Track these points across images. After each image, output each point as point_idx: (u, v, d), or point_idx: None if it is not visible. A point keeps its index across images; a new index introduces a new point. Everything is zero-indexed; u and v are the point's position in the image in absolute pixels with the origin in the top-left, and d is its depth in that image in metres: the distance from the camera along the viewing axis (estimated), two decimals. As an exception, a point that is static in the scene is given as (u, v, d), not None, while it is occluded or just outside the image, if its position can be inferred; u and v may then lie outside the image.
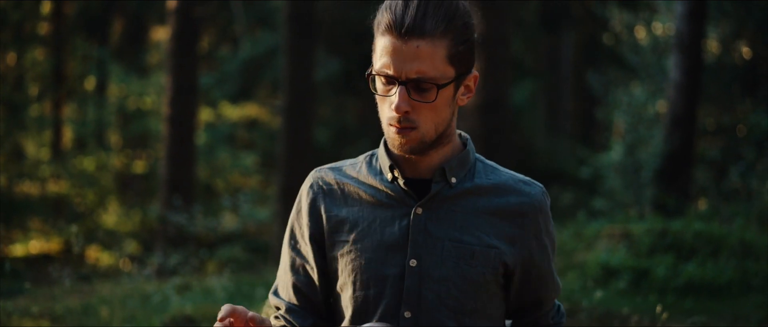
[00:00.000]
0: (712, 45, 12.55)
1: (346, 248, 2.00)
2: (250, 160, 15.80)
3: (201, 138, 14.61)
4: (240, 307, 1.88)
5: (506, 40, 8.70)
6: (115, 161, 16.08)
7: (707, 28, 10.82)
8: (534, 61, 16.92)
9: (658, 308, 4.88)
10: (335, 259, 2.02)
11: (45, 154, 16.70)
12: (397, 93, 1.90)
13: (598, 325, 5.43)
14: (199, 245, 10.13)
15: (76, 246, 7.86)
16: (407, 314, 1.96)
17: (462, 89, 1.97)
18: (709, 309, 5.99)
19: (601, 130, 16.37)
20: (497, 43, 8.31)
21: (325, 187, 2.06)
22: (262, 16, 15.99)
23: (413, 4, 1.90)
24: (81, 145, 16.99)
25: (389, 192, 2.00)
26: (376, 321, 1.97)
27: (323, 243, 2.04)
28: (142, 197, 15.62)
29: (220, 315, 1.85)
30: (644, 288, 6.47)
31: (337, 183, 2.05)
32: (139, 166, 16.41)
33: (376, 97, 1.97)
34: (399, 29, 1.88)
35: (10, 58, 16.66)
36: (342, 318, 2.04)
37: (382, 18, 1.92)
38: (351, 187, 2.04)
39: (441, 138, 1.97)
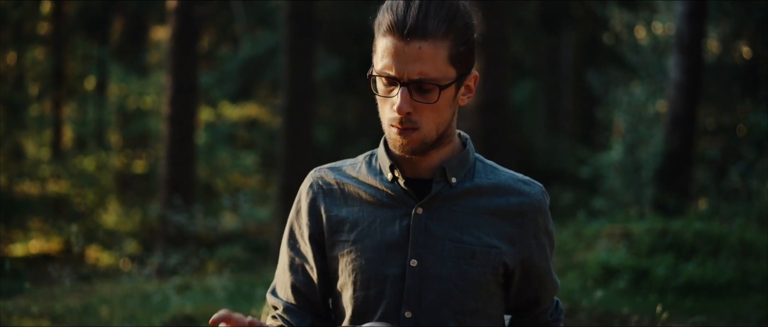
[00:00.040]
0: (713, 45, 12.55)
1: (346, 248, 2.00)
2: (250, 159, 15.80)
3: (201, 138, 14.61)
4: (237, 314, 1.86)
5: (506, 39, 8.70)
6: (115, 161, 16.08)
7: (707, 27, 10.82)
8: (534, 60, 16.92)
9: (659, 308, 4.88)
10: (335, 259, 2.02)
11: (45, 153, 16.70)
12: (399, 94, 1.90)
13: (598, 324, 5.43)
14: (199, 245, 10.13)
15: (76, 246, 7.86)
16: (408, 314, 1.96)
17: (462, 89, 1.97)
18: (709, 309, 5.99)
19: (601, 129, 16.37)
20: (497, 43, 8.31)
21: (325, 186, 2.06)
22: (262, 15, 15.99)
23: (415, 5, 1.89)
24: (81, 145, 16.99)
25: (389, 192, 2.00)
26: (377, 321, 1.97)
27: (323, 243, 2.04)
28: (142, 197, 15.63)
29: (213, 317, 1.83)
30: (644, 288, 6.47)
31: (337, 183, 2.05)
32: (139, 166, 16.41)
33: (377, 97, 1.96)
34: (401, 30, 1.88)
35: (10, 57, 16.66)
36: (341, 318, 2.04)
37: (383, 18, 1.91)
38: (351, 187, 2.04)
39: (442, 138, 1.97)
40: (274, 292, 2.10)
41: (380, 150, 2.04)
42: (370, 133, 13.77)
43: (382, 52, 1.91)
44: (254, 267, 9.56)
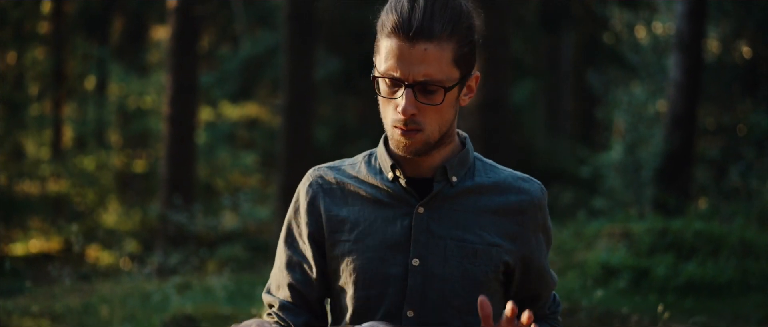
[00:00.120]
0: (713, 44, 12.56)
1: (347, 248, 2.00)
2: (250, 159, 15.80)
3: (201, 137, 14.61)
4: None
5: (506, 39, 8.70)
6: (115, 160, 16.09)
7: (707, 27, 10.83)
8: (534, 60, 16.91)
9: (660, 308, 4.88)
10: (335, 259, 2.01)
11: (45, 153, 16.71)
12: (403, 95, 1.89)
13: (598, 324, 5.43)
14: (199, 244, 10.14)
15: (76, 245, 7.86)
16: (410, 314, 1.96)
17: (464, 90, 1.97)
18: (709, 308, 6.00)
19: (601, 129, 16.38)
20: (497, 43, 8.32)
21: (324, 186, 2.05)
22: (262, 15, 15.99)
23: (420, 5, 1.87)
24: (81, 145, 16.99)
25: (390, 191, 2.00)
26: (378, 320, 1.97)
27: (323, 243, 2.03)
28: (142, 196, 15.63)
29: None
30: (644, 287, 6.47)
31: (337, 182, 2.05)
32: (140, 166, 16.41)
33: (380, 98, 1.95)
34: (406, 32, 1.86)
35: (11, 57, 16.66)
36: (341, 317, 2.03)
37: (387, 19, 1.89)
38: (351, 187, 2.03)
39: (444, 138, 1.96)
40: (269, 291, 2.10)
41: (380, 149, 2.04)
42: (370, 133, 13.77)
43: (387, 54, 1.89)
44: (254, 266, 9.57)
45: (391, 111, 1.93)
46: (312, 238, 2.03)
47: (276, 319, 2.05)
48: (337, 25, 13.97)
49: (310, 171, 2.09)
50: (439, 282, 1.96)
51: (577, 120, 17.83)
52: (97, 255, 13.30)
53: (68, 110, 17.23)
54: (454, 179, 1.99)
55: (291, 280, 2.05)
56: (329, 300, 2.10)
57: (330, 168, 2.08)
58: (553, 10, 13.76)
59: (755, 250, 6.96)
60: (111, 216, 15.06)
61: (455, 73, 1.91)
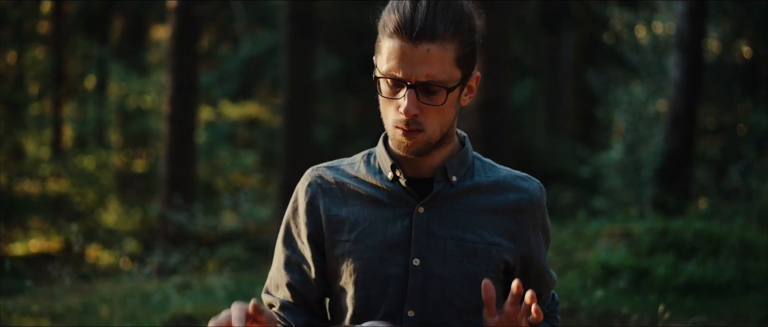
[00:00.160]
0: (713, 44, 12.55)
1: (346, 248, 1.99)
2: (250, 158, 15.80)
3: (201, 137, 14.61)
4: (237, 310, 1.77)
5: (506, 39, 8.70)
6: (116, 160, 16.09)
7: (708, 27, 10.83)
8: (534, 60, 16.91)
9: (661, 308, 4.88)
10: (335, 259, 2.01)
11: (45, 152, 16.70)
12: (406, 96, 1.88)
13: (598, 324, 5.43)
14: (199, 244, 10.13)
15: (76, 245, 7.86)
16: (411, 313, 1.96)
17: (465, 90, 1.97)
18: (709, 308, 6.00)
19: (602, 129, 16.38)
20: (497, 43, 8.32)
21: (323, 185, 2.04)
22: (262, 14, 16.00)
23: (422, 6, 1.87)
24: (81, 144, 16.99)
25: (390, 191, 2.00)
26: (378, 320, 1.97)
27: (322, 243, 2.03)
28: (142, 196, 15.63)
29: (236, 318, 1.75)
30: (644, 287, 6.47)
31: (336, 182, 2.04)
32: (140, 165, 16.41)
33: (381, 98, 1.94)
34: (409, 32, 1.85)
35: (11, 56, 16.66)
36: (341, 317, 2.03)
37: (389, 19, 1.88)
38: (350, 186, 2.03)
39: (444, 138, 1.96)
40: (268, 291, 2.10)
41: (380, 149, 2.03)
42: (370, 132, 13.77)
43: (389, 54, 1.88)
44: (254, 266, 9.56)
45: (393, 111, 1.92)
46: (311, 238, 2.03)
47: (278, 319, 2.05)
48: (337, 25, 13.97)
49: (309, 171, 2.08)
50: (440, 282, 1.96)
51: (577, 120, 17.84)
52: (97, 255, 13.30)
53: (68, 110, 17.23)
54: (454, 179, 1.99)
55: (290, 280, 2.05)
56: (328, 300, 2.10)
57: (329, 168, 2.07)
58: (553, 10, 13.76)
59: (755, 250, 6.96)
60: (111, 216, 15.06)
61: (457, 74, 1.91)
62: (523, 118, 15.17)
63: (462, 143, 2.04)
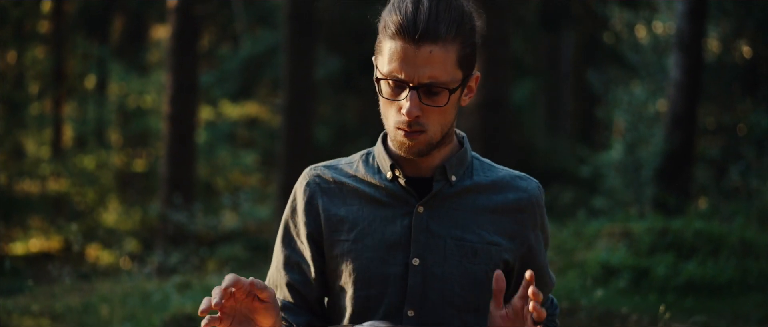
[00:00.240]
0: (713, 44, 12.54)
1: (346, 248, 1.99)
2: (250, 158, 15.81)
3: (201, 136, 14.61)
4: (242, 278, 1.80)
5: (506, 39, 8.70)
6: (116, 159, 16.09)
7: (708, 26, 10.82)
8: (534, 60, 16.92)
9: (662, 308, 4.88)
10: (334, 259, 2.01)
11: (45, 152, 16.71)
12: (408, 97, 1.87)
13: (598, 324, 5.43)
14: (199, 244, 10.13)
15: (75, 244, 7.86)
16: (410, 313, 1.96)
17: (465, 90, 1.96)
18: (709, 308, 5.99)
19: (602, 128, 16.37)
20: (497, 43, 8.32)
21: (322, 185, 2.04)
22: (263, 14, 16.00)
23: (424, 7, 1.86)
24: (81, 144, 16.99)
25: (389, 191, 1.99)
26: (378, 320, 1.96)
27: (321, 242, 2.02)
28: (142, 195, 15.63)
29: (224, 285, 1.76)
30: (644, 287, 6.47)
31: (335, 181, 2.04)
32: (140, 165, 16.42)
33: (382, 99, 1.94)
34: (412, 33, 1.84)
35: (11, 56, 16.66)
36: (340, 317, 2.03)
37: (391, 20, 1.87)
38: (349, 186, 2.03)
39: (444, 138, 1.96)
40: (266, 291, 2.09)
41: (379, 148, 2.03)
42: (370, 132, 13.77)
43: (390, 55, 1.87)
44: (254, 266, 9.56)
45: (394, 112, 1.92)
46: (310, 238, 2.03)
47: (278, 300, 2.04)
48: (337, 24, 13.98)
49: (307, 170, 2.08)
50: (439, 281, 1.96)
51: (577, 119, 17.83)
52: (97, 254, 13.30)
53: (68, 109, 17.23)
54: (453, 179, 1.99)
55: (290, 279, 2.04)
56: (327, 299, 2.09)
57: (327, 167, 2.07)
58: (553, 10, 13.76)
59: (755, 250, 6.96)
60: (111, 215, 15.06)
61: (459, 75, 1.90)
62: (523, 118, 15.17)
63: (461, 143, 2.04)
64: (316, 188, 2.04)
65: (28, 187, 15.73)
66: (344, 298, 2.01)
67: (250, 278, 1.80)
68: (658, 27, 13.43)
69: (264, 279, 2.12)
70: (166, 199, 10.57)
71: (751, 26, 11.81)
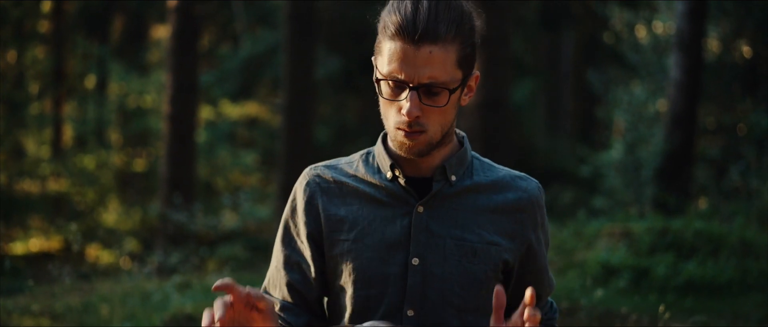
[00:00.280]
0: (713, 44, 12.54)
1: (346, 247, 1.99)
2: (250, 158, 15.81)
3: (201, 136, 14.61)
4: (238, 286, 1.79)
5: (506, 39, 8.71)
6: (116, 159, 16.09)
7: (708, 26, 10.82)
8: (534, 59, 16.92)
9: (661, 308, 4.88)
10: (334, 259, 2.01)
11: (45, 152, 16.71)
12: (408, 98, 1.87)
13: (598, 324, 5.43)
14: (199, 243, 10.13)
15: (75, 244, 7.86)
16: (410, 313, 1.96)
17: (465, 89, 1.96)
18: (709, 308, 6.00)
19: (602, 128, 16.37)
20: (497, 42, 8.32)
21: (322, 184, 2.04)
22: (263, 14, 16.00)
23: (423, 7, 1.86)
24: (81, 143, 16.99)
25: (389, 190, 1.99)
26: (378, 320, 1.96)
27: (321, 242, 2.02)
28: (142, 195, 15.63)
29: (217, 284, 1.75)
30: (644, 287, 6.47)
31: (335, 181, 2.04)
32: (140, 165, 16.42)
33: (382, 100, 1.93)
34: (411, 34, 1.84)
35: (11, 56, 16.67)
36: (339, 316, 2.02)
37: (390, 20, 1.87)
38: (349, 186, 2.02)
39: (444, 138, 1.96)
40: (266, 291, 2.08)
41: (378, 148, 2.03)
42: (370, 132, 13.78)
43: (390, 56, 1.87)
44: (254, 265, 9.56)
45: (394, 113, 1.91)
46: (310, 238, 2.02)
47: (276, 307, 2.04)
48: (337, 24, 13.98)
49: (307, 170, 2.07)
50: (439, 281, 1.96)
51: (577, 119, 17.83)
52: (97, 254, 13.30)
53: (68, 109, 17.23)
54: (453, 178, 1.99)
55: (289, 279, 2.04)
56: (327, 299, 2.09)
57: (327, 166, 2.07)
58: (554, 10, 13.77)
59: (755, 250, 6.96)
60: (111, 215, 15.06)
61: (458, 75, 1.90)
62: (523, 117, 15.17)
63: (461, 143, 2.04)
64: (316, 188, 2.04)
65: (28, 186, 15.74)
66: (344, 297, 2.00)
67: (247, 287, 1.79)
68: (658, 27, 13.43)
69: (263, 279, 2.12)
70: (166, 199, 10.58)
71: (751, 26, 11.80)
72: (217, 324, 1.72)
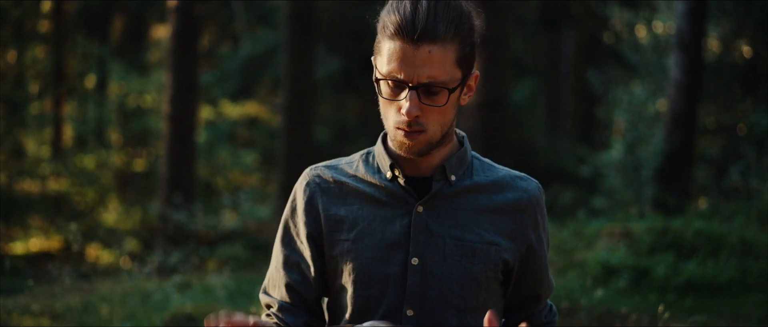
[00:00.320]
0: (713, 44, 12.54)
1: (345, 247, 1.99)
2: (250, 158, 15.81)
3: (201, 136, 14.61)
4: (239, 315, 1.81)
5: (506, 39, 8.71)
6: (116, 159, 16.09)
7: (708, 26, 10.82)
8: (534, 59, 16.92)
9: (661, 308, 4.88)
10: (334, 259, 2.01)
11: (45, 152, 16.71)
12: (408, 98, 1.87)
13: (598, 324, 5.43)
14: (199, 243, 10.14)
15: (75, 244, 7.87)
16: (409, 313, 1.96)
17: (464, 89, 1.96)
18: (709, 308, 6.00)
19: (602, 128, 16.37)
20: (498, 42, 8.32)
21: (322, 185, 2.04)
22: (263, 14, 16.00)
23: (422, 6, 1.86)
24: (81, 143, 16.99)
25: (389, 190, 1.99)
26: (378, 320, 1.96)
27: (321, 242, 2.02)
28: (142, 195, 15.63)
29: (211, 319, 1.77)
30: (644, 287, 6.47)
31: (335, 181, 2.04)
32: (140, 164, 16.42)
33: (381, 99, 1.94)
34: (411, 34, 1.85)
35: (11, 55, 16.66)
36: (339, 317, 2.03)
37: (390, 20, 1.87)
38: (349, 186, 2.02)
39: (444, 138, 1.96)
40: (266, 292, 2.09)
41: (378, 148, 2.03)
42: (370, 132, 13.78)
43: (390, 56, 1.88)
44: (254, 265, 9.57)
45: (394, 112, 1.92)
46: (310, 238, 2.02)
47: (275, 320, 2.04)
48: (337, 24, 13.98)
49: (307, 170, 2.08)
50: (439, 281, 1.96)
51: (577, 119, 17.83)
52: (97, 254, 13.31)
53: (68, 109, 17.23)
54: (453, 178, 1.99)
55: (289, 279, 2.04)
56: (326, 299, 2.09)
57: (327, 167, 2.07)
58: (554, 10, 13.77)
59: (755, 250, 6.96)
60: (111, 215, 15.06)
61: (458, 74, 1.90)
62: (523, 117, 15.17)
63: (461, 143, 2.04)
64: (316, 188, 2.04)
65: (28, 186, 15.74)
66: (344, 297, 2.01)
67: (251, 319, 1.79)
68: (658, 27, 13.43)
69: (263, 278, 2.12)
70: (166, 199, 10.58)
71: (751, 26, 11.80)
72: None
